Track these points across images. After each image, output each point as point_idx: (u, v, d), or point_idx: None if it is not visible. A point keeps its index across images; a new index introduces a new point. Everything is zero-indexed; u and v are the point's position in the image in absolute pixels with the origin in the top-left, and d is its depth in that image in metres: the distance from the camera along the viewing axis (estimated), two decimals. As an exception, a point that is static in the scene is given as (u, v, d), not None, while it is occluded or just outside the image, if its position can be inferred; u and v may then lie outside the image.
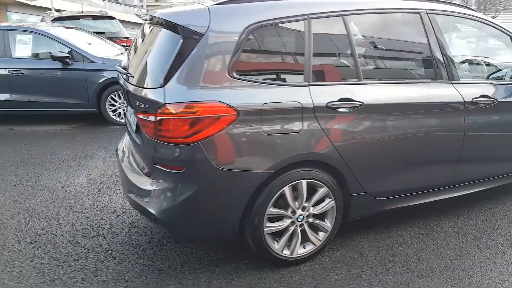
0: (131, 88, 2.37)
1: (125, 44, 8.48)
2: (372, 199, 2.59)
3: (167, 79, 2.09)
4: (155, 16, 2.36)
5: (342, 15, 2.42)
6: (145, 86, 2.22)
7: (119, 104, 5.90)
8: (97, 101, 5.84)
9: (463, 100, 2.70)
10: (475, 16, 2.93)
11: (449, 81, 2.70)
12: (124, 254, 2.60)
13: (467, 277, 2.38)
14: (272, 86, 2.24)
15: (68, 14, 11.11)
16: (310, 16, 2.31)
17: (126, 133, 2.99)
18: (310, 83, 2.30)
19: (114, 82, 5.73)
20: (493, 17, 21.31)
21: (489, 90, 2.88)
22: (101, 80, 5.76)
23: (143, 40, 2.66)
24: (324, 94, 2.31)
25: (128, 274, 2.41)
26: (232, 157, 2.16)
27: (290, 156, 2.26)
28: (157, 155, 2.19)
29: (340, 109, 2.32)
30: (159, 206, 2.19)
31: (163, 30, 2.29)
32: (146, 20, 2.67)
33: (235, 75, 2.15)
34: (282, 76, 2.34)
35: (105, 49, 6.40)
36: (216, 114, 2.08)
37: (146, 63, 2.34)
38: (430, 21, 2.67)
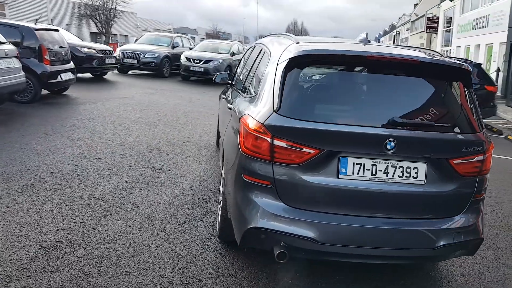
0: (435, 136, 2.43)
1: None
2: None
3: (471, 123, 2.57)
4: (433, 62, 2.59)
5: None
6: (466, 131, 2.52)
7: None
8: None
9: None
10: None
11: None
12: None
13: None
14: None
15: None
16: None
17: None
18: None
19: None
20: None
21: None
22: None
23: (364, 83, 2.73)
24: None
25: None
26: None
27: None
28: (478, 188, 2.55)
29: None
30: (480, 230, 2.60)
31: (440, 75, 2.63)
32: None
33: None
34: None
35: None
36: None
37: (447, 111, 2.62)
38: None
